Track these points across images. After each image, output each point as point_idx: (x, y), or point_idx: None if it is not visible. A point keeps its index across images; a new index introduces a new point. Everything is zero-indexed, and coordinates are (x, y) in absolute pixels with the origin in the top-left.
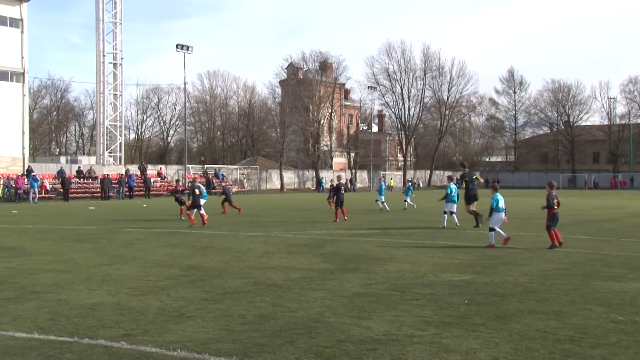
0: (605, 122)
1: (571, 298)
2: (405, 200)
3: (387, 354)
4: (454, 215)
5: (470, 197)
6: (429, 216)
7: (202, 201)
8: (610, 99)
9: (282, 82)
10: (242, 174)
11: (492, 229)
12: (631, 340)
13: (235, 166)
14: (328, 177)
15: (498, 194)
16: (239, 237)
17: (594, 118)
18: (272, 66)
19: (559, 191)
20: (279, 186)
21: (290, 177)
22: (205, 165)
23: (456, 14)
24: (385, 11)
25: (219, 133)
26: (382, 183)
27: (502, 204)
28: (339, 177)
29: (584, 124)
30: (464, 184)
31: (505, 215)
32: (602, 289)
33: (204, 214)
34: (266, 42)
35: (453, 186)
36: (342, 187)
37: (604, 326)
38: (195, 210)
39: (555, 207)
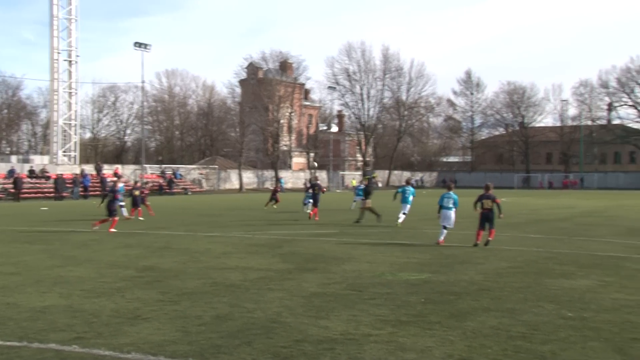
0: (558, 124)
1: (524, 295)
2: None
3: (344, 353)
4: (404, 216)
5: (367, 194)
6: (386, 216)
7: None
8: (563, 101)
9: (242, 82)
10: (201, 173)
11: (444, 227)
12: (579, 335)
13: (194, 166)
14: (287, 177)
15: (451, 192)
16: (197, 237)
17: (547, 119)
18: (232, 66)
19: (514, 191)
20: (238, 186)
21: (249, 177)
22: (163, 165)
23: (415, 16)
24: (345, 12)
25: (177, 132)
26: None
27: (448, 202)
28: (315, 178)
29: (537, 125)
30: (367, 181)
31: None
32: (553, 286)
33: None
34: (226, 41)
35: (408, 188)
36: (320, 188)
37: (554, 322)
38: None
39: (481, 208)
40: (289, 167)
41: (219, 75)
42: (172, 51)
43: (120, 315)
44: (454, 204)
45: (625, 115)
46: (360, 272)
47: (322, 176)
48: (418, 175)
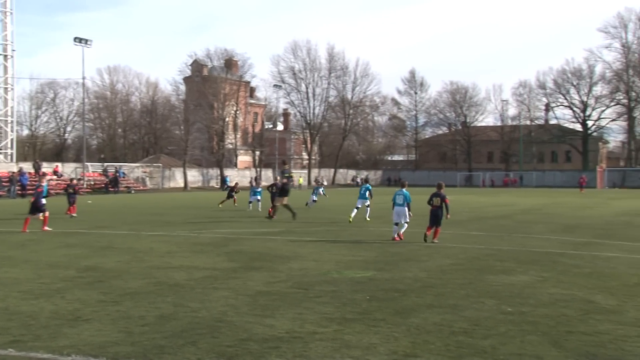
0: (499, 123)
1: (466, 292)
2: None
3: (290, 351)
4: (356, 210)
5: (284, 192)
6: (333, 214)
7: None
8: (503, 101)
9: (186, 79)
10: (145, 172)
11: (396, 223)
12: (518, 330)
13: (137, 164)
14: (233, 175)
15: (404, 190)
16: (140, 236)
17: (488, 119)
18: (176, 63)
19: (457, 189)
20: (182, 184)
21: (194, 176)
22: (105, 163)
23: (360, 15)
24: (291, 10)
25: (120, 130)
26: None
27: (399, 199)
28: (277, 178)
29: (479, 124)
30: (279, 178)
31: (409, 210)
32: (494, 282)
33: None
34: (169, 38)
35: (366, 185)
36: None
37: (495, 317)
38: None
39: (431, 206)
40: (235, 165)
41: (163, 72)
42: (113, 47)
43: (59, 317)
44: (405, 200)
45: (561, 115)
46: (306, 271)
47: (268, 174)
48: (363, 174)
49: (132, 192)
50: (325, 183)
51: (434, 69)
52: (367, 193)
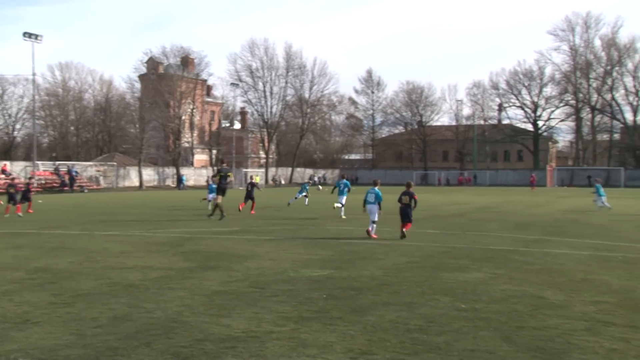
0: (454, 123)
1: (421, 289)
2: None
3: (246, 351)
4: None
5: (220, 190)
6: (290, 213)
7: None
8: (458, 101)
9: (141, 77)
10: (98, 170)
11: (373, 221)
12: (471, 326)
13: (91, 163)
14: (189, 174)
15: (375, 188)
16: (93, 236)
17: (443, 119)
18: (131, 60)
19: (413, 188)
20: (138, 184)
21: (149, 175)
22: (57, 162)
23: (318, 15)
24: (248, 8)
25: (72, 128)
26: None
27: (371, 197)
28: (252, 177)
29: (434, 124)
30: (218, 178)
31: (380, 208)
32: (449, 279)
33: None
34: (124, 35)
35: (344, 181)
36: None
37: (449, 314)
38: None
39: (400, 204)
40: (191, 164)
41: (118, 69)
42: (66, 43)
43: (6, 320)
44: (376, 198)
45: (513, 115)
46: (263, 270)
47: None
48: (320, 173)
49: (86, 191)
50: (316, 180)
51: (391, 69)
52: (347, 189)
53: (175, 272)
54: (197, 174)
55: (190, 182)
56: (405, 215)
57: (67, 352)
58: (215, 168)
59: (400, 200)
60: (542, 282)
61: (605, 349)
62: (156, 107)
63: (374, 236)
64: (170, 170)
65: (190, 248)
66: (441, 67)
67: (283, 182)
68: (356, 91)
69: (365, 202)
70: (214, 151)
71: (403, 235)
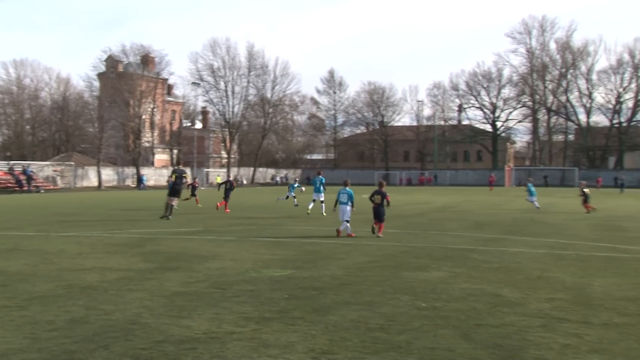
0: (415, 123)
1: (382, 288)
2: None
3: (207, 352)
4: (322, 205)
5: (174, 191)
6: (253, 212)
7: None
8: (419, 101)
9: (100, 75)
10: (55, 170)
11: (347, 221)
12: (431, 324)
13: (48, 162)
14: (150, 174)
15: (347, 188)
16: (50, 237)
17: (404, 119)
18: (90, 58)
19: (374, 188)
20: (96, 184)
21: (109, 175)
22: (11, 162)
23: (280, 15)
24: (210, 7)
25: (28, 127)
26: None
27: (343, 197)
28: (229, 176)
29: (396, 124)
30: (174, 177)
31: (352, 207)
32: (410, 278)
33: None
34: (82, 32)
35: (319, 178)
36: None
37: (409, 313)
38: None
39: (373, 203)
40: (152, 164)
41: (75, 67)
42: (20, 40)
43: None
44: (349, 198)
45: (473, 116)
46: (224, 270)
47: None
48: (282, 173)
49: (42, 191)
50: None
51: (353, 69)
52: (322, 187)
53: (134, 273)
54: (158, 174)
55: (151, 182)
56: (378, 214)
57: (21, 357)
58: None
59: (372, 199)
60: (500, 281)
61: (559, 344)
62: (115, 106)
63: (352, 234)
64: (130, 170)
65: (151, 249)
66: (402, 68)
67: (245, 182)
68: (318, 91)
69: (338, 202)
70: (175, 151)
71: (373, 231)
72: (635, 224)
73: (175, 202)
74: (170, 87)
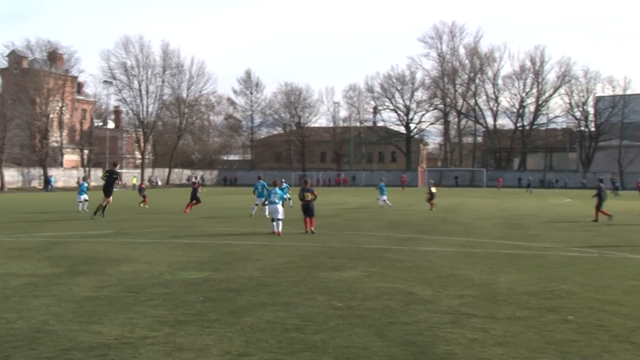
0: (331, 124)
1: (299, 289)
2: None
3: (118, 358)
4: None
5: (106, 191)
6: (167, 214)
7: None
8: (335, 103)
9: (2, 71)
10: None
11: (272, 219)
12: (347, 323)
13: None
14: (59, 175)
15: (277, 188)
16: None
17: (321, 120)
18: None
19: (292, 189)
20: None
21: (13, 176)
22: None
23: (195, 14)
24: (122, 3)
25: None
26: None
27: (274, 197)
28: (196, 177)
29: (312, 125)
30: (105, 177)
31: (282, 205)
32: (326, 278)
33: None
34: None
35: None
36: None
37: (325, 313)
38: None
39: (302, 200)
40: (61, 164)
41: None
42: None
43: None
44: (280, 198)
45: (388, 118)
46: (137, 273)
47: (98, 174)
48: (199, 173)
49: None
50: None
51: (270, 70)
52: (264, 191)
53: (40, 278)
54: (67, 175)
55: (60, 184)
56: (309, 210)
57: None
58: (87, 169)
59: (302, 197)
60: (413, 279)
61: (467, 339)
62: (20, 104)
63: (278, 233)
64: (36, 171)
65: (59, 252)
66: (319, 70)
67: (160, 183)
68: (235, 92)
69: (269, 202)
70: (86, 151)
71: (311, 232)
72: (536, 222)
73: (105, 202)
74: (80, 85)
